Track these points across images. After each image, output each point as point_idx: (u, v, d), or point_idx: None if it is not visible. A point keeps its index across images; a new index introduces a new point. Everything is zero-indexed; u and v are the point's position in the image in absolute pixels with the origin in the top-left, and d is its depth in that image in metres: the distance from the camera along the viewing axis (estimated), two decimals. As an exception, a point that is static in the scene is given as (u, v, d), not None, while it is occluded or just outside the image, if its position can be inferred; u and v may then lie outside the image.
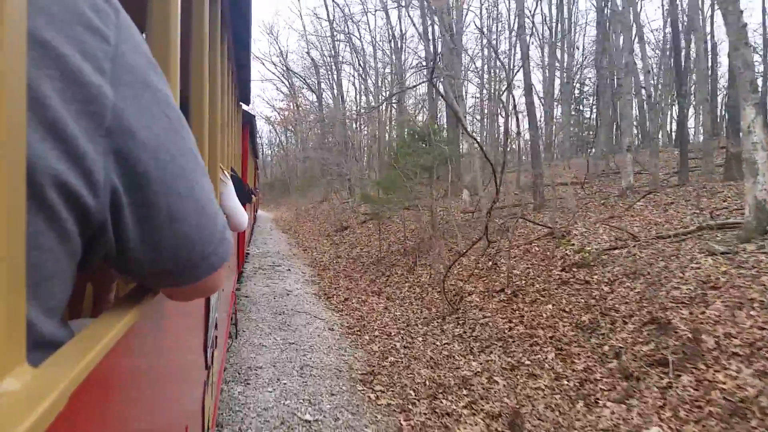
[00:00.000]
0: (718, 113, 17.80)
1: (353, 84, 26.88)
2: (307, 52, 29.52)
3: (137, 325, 0.48)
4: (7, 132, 0.24)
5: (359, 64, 23.80)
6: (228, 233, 0.50)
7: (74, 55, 0.33)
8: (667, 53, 18.87)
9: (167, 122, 0.42)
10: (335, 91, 24.16)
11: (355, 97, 29.20)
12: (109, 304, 0.86)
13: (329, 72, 25.41)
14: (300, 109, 29.55)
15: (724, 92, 16.83)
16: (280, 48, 59.71)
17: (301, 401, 3.30)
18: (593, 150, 16.91)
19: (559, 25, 20.72)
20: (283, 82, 30.26)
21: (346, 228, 13.49)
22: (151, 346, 0.59)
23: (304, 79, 27.68)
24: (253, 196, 5.99)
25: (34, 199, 0.30)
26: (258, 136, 28.97)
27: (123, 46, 0.38)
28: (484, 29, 20.86)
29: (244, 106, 4.74)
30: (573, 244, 6.28)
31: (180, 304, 0.78)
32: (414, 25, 18.28)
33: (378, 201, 10.29)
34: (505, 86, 11.16)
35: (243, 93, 4.10)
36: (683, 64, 13.29)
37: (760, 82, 14.52)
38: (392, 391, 3.65)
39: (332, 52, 23.48)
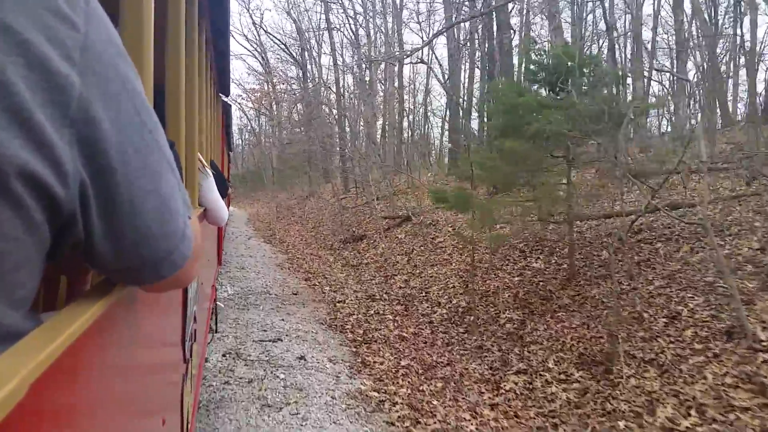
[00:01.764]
0: None
1: (340, 54, 22.46)
2: (288, 13, 23.58)
3: (106, 315, 0.46)
4: None
5: (351, 30, 19.40)
6: (189, 230, 0.49)
7: (41, 42, 0.31)
8: None
9: (134, 114, 0.41)
10: (328, 58, 20.03)
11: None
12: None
13: (318, 37, 20.89)
14: (276, 89, 25.02)
15: None
16: (252, 17, 46.22)
17: None
18: None
19: None
20: (256, 58, 25.51)
21: (362, 238, 9.22)
22: (122, 337, 0.57)
23: (286, 47, 22.37)
24: (229, 188, 5.71)
25: None
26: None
27: (93, 35, 0.36)
28: None
29: (223, 97, 4.57)
30: None
31: (155, 296, 0.77)
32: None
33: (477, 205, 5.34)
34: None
35: (222, 84, 4.00)
36: None
37: None
38: None
39: (324, 9, 18.77)
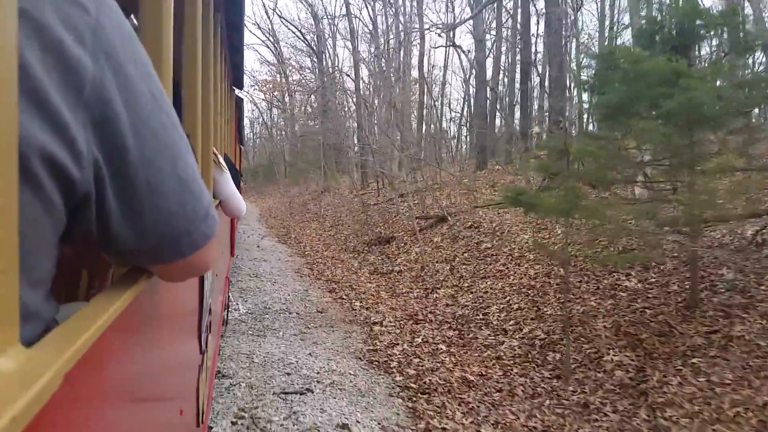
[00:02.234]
0: None
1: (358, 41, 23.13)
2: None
3: (131, 306, 0.51)
4: None
5: (369, 16, 20.30)
6: (213, 211, 0.53)
7: (56, 25, 0.35)
8: None
9: (149, 97, 0.45)
10: (342, 49, 19.78)
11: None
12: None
13: (334, 24, 22.22)
14: (289, 80, 26.48)
15: None
16: (264, 4, 49.07)
17: None
18: None
19: None
20: (269, 48, 27.00)
21: (390, 240, 8.90)
22: (145, 329, 0.63)
23: (301, 33, 23.43)
24: (241, 182, 6.00)
25: (19, 171, 0.31)
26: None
27: (103, 19, 0.40)
28: None
29: (236, 91, 4.97)
30: None
31: (174, 288, 0.85)
32: None
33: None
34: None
35: (236, 77, 4.22)
36: None
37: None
38: None
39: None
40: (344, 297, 6.14)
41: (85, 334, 0.36)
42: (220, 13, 2.43)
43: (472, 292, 5.87)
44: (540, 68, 17.16)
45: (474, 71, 16.29)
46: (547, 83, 15.18)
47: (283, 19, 27.32)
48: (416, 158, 12.63)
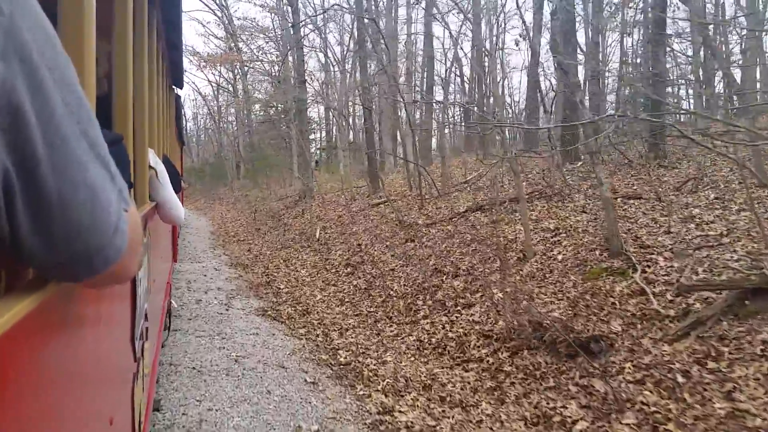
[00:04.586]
0: None
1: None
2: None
3: (39, 311, 0.48)
4: None
5: None
6: (123, 224, 0.51)
7: None
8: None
9: (62, 104, 0.43)
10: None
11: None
12: None
13: None
14: (242, 52, 20.46)
15: None
16: None
17: None
18: None
19: None
20: (216, 14, 21.57)
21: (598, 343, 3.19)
22: (60, 335, 0.60)
23: None
24: (183, 183, 5.12)
25: None
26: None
27: (18, 19, 0.38)
28: None
29: (176, 90, 4.77)
30: None
31: (98, 292, 0.81)
32: None
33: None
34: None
35: (175, 76, 4.09)
36: None
37: None
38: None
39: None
40: None
41: None
42: (156, 8, 2.31)
43: None
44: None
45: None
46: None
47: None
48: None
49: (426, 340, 4.66)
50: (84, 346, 0.74)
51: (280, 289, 6.58)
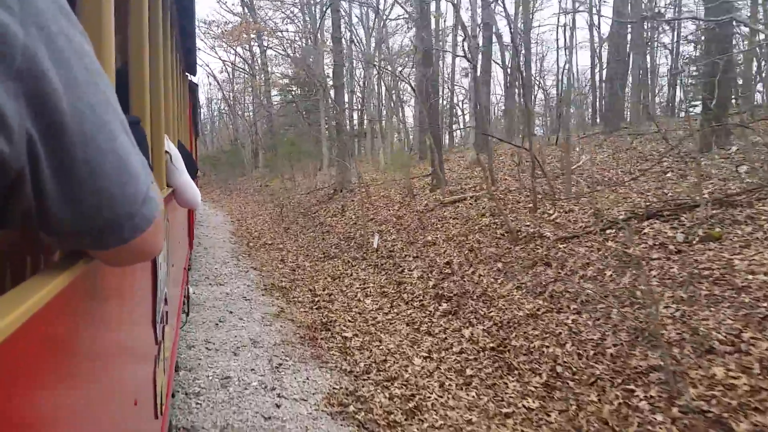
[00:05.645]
0: None
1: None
2: None
3: (70, 288, 0.48)
4: None
5: None
6: (153, 193, 0.51)
7: None
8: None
9: (85, 72, 0.42)
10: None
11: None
12: None
13: None
14: (260, 26, 18.40)
15: None
16: None
17: None
18: None
19: None
20: None
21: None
22: (88, 314, 0.60)
23: None
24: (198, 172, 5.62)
25: None
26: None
27: None
28: None
29: (190, 77, 4.78)
30: None
31: (122, 275, 0.81)
32: None
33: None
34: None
35: (188, 63, 4.09)
36: None
37: None
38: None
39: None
40: None
41: (8, 318, 0.33)
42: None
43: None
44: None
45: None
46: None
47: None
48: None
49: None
50: (110, 325, 0.75)
51: (347, 339, 4.11)
